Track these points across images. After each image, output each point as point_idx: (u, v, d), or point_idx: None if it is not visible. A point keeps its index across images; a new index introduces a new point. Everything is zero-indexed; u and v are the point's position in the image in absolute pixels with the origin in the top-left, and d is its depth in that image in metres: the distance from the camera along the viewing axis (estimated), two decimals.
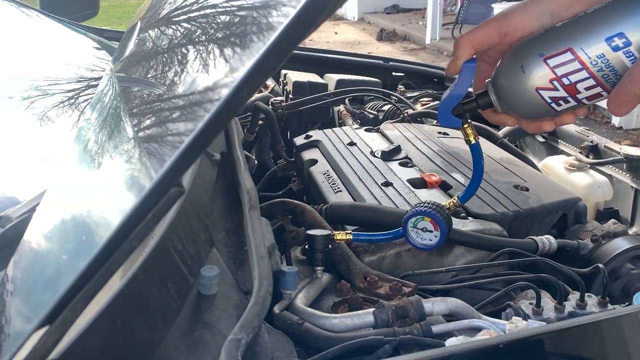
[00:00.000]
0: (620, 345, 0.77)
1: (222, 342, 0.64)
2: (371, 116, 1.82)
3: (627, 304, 0.93)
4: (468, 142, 0.79)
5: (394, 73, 2.19)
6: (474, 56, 0.72)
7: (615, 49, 0.60)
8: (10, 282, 0.60)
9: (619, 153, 1.42)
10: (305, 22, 0.48)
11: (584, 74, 0.62)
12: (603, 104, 0.66)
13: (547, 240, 1.04)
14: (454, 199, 0.92)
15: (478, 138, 0.79)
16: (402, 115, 1.75)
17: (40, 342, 0.45)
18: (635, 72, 0.60)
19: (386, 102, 1.87)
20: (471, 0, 8.32)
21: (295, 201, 1.13)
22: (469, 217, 1.07)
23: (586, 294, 0.87)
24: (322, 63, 2.24)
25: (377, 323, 0.80)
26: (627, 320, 0.77)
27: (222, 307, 0.76)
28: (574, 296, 0.88)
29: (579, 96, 0.63)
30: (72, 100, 1.16)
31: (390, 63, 2.28)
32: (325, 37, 9.31)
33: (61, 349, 0.48)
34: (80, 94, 1.20)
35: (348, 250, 0.99)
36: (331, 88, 1.99)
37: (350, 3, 11.10)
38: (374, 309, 0.82)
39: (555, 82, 0.63)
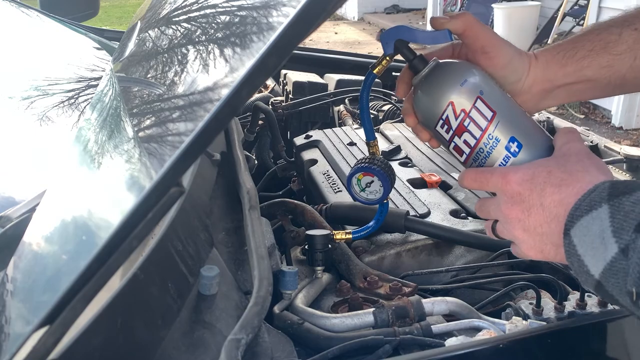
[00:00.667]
0: (620, 345, 0.77)
1: (222, 342, 0.64)
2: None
3: None
4: (372, 67, 0.78)
5: (394, 73, 2.19)
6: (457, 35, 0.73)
7: (507, 148, 0.66)
8: (10, 282, 0.60)
9: (619, 153, 1.42)
10: (305, 22, 0.48)
11: (478, 133, 0.66)
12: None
13: None
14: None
15: (381, 73, 0.79)
16: (402, 115, 1.75)
17: (40, 342, 0.45)
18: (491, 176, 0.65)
19: (386, 102, 1.87)
20: (471, 0, 8.31)
21: (295, 201, 1.13)
22: (469, 217, 1.07)
23: (586, 294, 0.87)
24: (322, 63, 2.24)
25: (377, 323, 0.80)
26: (627, 320, 0.77)
27: (222, 307, 0.76)
28: (574, 296, 0.88)
29: (455, 139, 0.68)
30: (72, 100, 1.16)
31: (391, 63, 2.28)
32: (325, 37, 9.30)
33: (61, 349, 0.48)
34: (80, 94, 1.20)
35: (348, 250, 0.99)
36: (331, 88, 1.98)
37: (350, 3, 11.09)
38: (374, 309, 0.82)
39: (462, 114, 0.67)
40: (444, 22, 0.71)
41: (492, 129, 0.66)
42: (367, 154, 0.90)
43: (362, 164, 0.88)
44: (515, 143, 0.66)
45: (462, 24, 0.71)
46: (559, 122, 1.61)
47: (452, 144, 0.69)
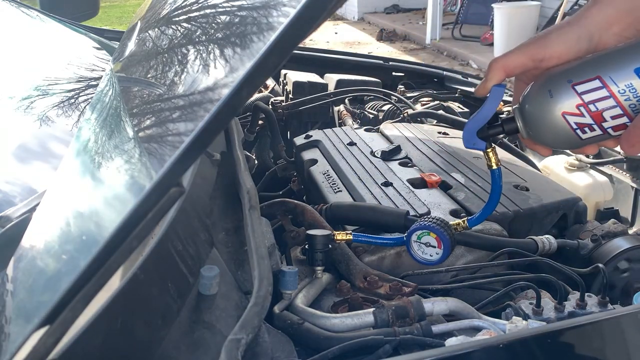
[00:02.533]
0: (620, 345, 0.77)
1: (222, 342, 0.64)
2: (371, 116, 1.82)
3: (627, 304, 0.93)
4: (489, 166, 0.78)
5: (394, 73, 2.19)
6: (505, 80, 0.70)
7: None
8: (10, 282, 0.60)
9: (619, 153, 1.42)
10: (305, 22, 0.48)
11: (611, 102, 0.61)
12: None
13: (547, 240, 1.04)
14: (463, 221, 0.91)
15: (500, 164, 0.78)
16: (402, 115, 1.75)
17: (40, 342, 0.45)
18: None
19: (386, 102, 1.87)
20: (471, 0, 8.32)
21: (295, 201, 1.13)
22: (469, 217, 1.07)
23: (586, 294, 0.87)
24: (322, 63, 2.24)
25: (377, 323, 0.80)
26: (627, 320, 0.77)
27: (222, 307, 0.76)
28: (574, 296, 0.88)
29: (605, 125, 0.63)
30: (72, 100, 1.16)
31: (390, 63, 2.28)
32: (325, 37, 9.31)
33: (61, 349, 0.48)
34: (80, 94, 1.20)
35: (348, 250, 0.99)
36: (331, 88, 1.99)
37: (350, 3, 11.09)
38: (374, 309, 0.82)
39: (582, 108, 0.62)
40: (483, 87, 0.69)
41: (613, 85, 0.61)
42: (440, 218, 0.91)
43: (442, 229, 0.87)
44: None
45: (499, 71, 0.68)
46: None
47: (610, 130, 0.63)
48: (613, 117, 0.62)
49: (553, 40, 0.66)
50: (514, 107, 0.70)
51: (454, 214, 1.08)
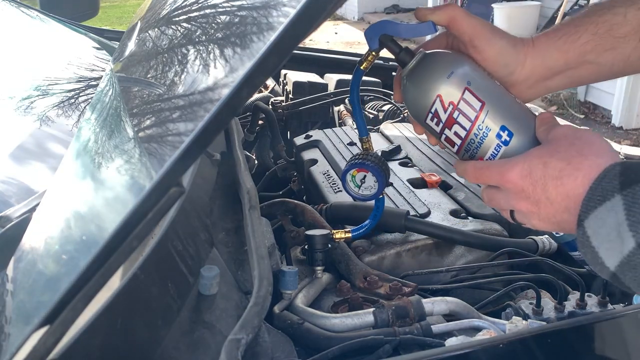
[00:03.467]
0: (620, 345, 0.77)
1: (222, 342, 0.64)
2: (371, 116, 1.81)
3: (627, 303, 0.93)
4: (359, 63, 0.78)
5: (394, 73, 2.19)
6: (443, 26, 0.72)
7: (498, 136, 0.66)
8: (10, 282, 0.60)
9: (619, 153, 1.42)
10: (305, 22, 0.48)
11: (467, 125, 0.66)
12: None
13: (547, 240, 1.04)
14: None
15: (368, 68, 0.78)
16: (402, 115, 1.75)
17: (40, 342, 0.45)
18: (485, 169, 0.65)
19: (386, 102, 1.87)
20: (471, 0, 8.31)
21: (295, 201, 1.13)
22: (469, 217, 1.07)
23: (586, 294, 0.87)
24: (322, 63, 2.24)
25: (377, 323, 0.80)
26: (627, 320, 0.77)
27: (222, 307, 0.76)
28: (574, 296, 0.88)
29: (446, 131, 0.68)
30: (72, 100, 1.16)
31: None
32: (325, 37, 9.30)
33: (61, 349, 0.48)
34: (80, 94, 1.20)
35: (348, 250, 0.98)
36: (331, 88, 1.98)
37: (350, 3, 11.09)
38: (374, 309, 0.82)
39: (450, 106, 0.66)
40: (427, 13, 0.69)
41: (481, 119, 0.66)
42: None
43: (355, 160, 0.87)
44: (506, 132, 0.65)
45: (447, 16, 0.69)
46: None
47: (443, 136, 0.69)
48: (455, 133, 0.67)
49: (495, 45, 0.69)
50: (422, 50, 0.71)
51: (454, 214, 1.08)
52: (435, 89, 0.67)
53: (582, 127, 0.69)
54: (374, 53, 0.75)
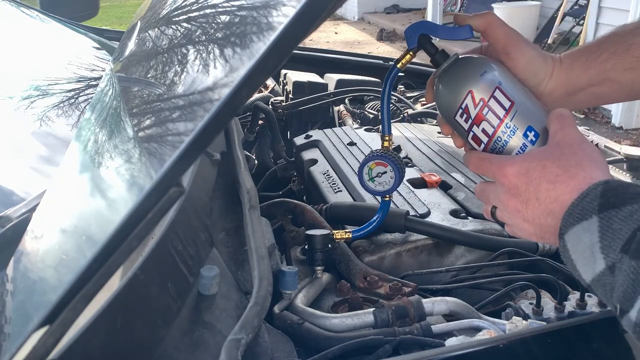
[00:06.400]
0: (620, 345, 0.77)
1: (222, 342, 0.64)
2: (371, 116, 1.82)
3: None
4: (396, 61, 0.80)
5: None
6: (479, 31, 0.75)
7: (525, 136, 0.67)
8: (10, 282, 0.60)
9: (619, 153, 1.42)
10: (305, 22, 0.48)
11: (496, 122, 0.68)
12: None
13: None
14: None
15: (404, 67, 0.80)
16: (402, 115, 1.75)
17: (40, 342, 0.45)
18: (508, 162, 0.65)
19: None
20: (471, 0, 8.31)
21: (295, 201, 1.13)
22: (469, 217, 1.07)
23: (586, 294, 0.87)
24: (322, 63, 2.24)
25: (377, 323, 0.80)
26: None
27: (222, 307, 0.76)
28: (574, 296, 0.88)
29: (474, 128, 0.69)
30: (72, 100, 1.16)
31: (390, 63, 2.28)
32: (325, 37, 9.30)
33: (61, 349, 0.48)
34: (80, 94, 1.20)
35: (348, 250, 0.98)
36: (331, 88, 1.99)
37: (350, 3, 11.09)
38: (374, 309, 0.82)
39: (481, 103, 0.68)
40: (465, 18, 0.72)
41: (509, 118, 0.67)
42: (380, 147, 0.90)
43: (377, 153, 0.89)
44: (533, 132, 0.67)
45: (484, 22, 0.72)
46: None
47: (471, 134, 0.70)
48: (483, 131, 0.69)
49: (526, 54, 0.71)
50: (457, 53, 0.74)
51: (454, 214, 1.08)
52: (467, 85, 0.69)
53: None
54: (411, 53, 0.77)
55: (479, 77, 0.68)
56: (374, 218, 0.96)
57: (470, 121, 0.69)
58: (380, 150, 0.89)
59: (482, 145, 0.69)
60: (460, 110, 0.69)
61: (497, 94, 0.68)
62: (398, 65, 0.79)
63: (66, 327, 0.46)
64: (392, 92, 1.93)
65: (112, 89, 0.92)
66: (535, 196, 0.61)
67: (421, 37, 0.74)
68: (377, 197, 1.13)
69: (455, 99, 0.70)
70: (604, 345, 0.76)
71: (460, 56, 0.73)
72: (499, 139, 0.68)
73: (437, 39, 0.77)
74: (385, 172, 0.89)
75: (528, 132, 0.67)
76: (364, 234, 0.97)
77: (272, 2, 0.60)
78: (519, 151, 0.67)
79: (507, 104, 0.67)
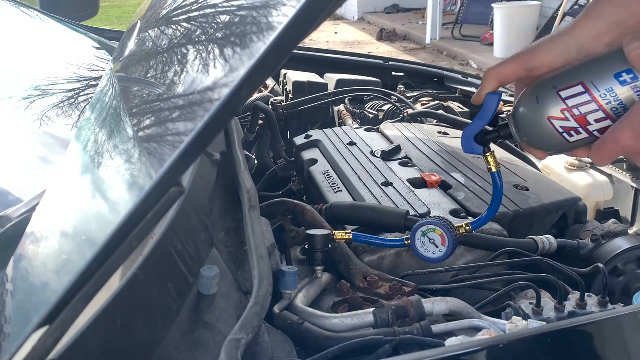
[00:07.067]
0: (620, 345, 0.77)
1: (222, 342, 0.64)
2: (371, 116, 1.82)
3: (627, 304, 0.93)
4: (489, 169, 0.81)
5: (394, 73, 2.19)
6: (499, 89, 0.74)
7: (623, 83, 0.62)
8: (10, 282, 0.60)
9: None
10: (305, 22, 0.48)
11: (593, 106, 0.64)
12: None
13: (547, 240, 1.04)
14: (467, 224, 0.92)
15: (500, 167, 0.81)
16: (402, 115, 1.75)
17: (40, 342, 0.45)
18: (621, 127, 0.61)
19: (386, 102, 1.87)
20: (471, 0, 8.32)
21: (295, 201, 1.13)
22: (469, 217, 1.07)
23: (586, 294, 0.87)
24: (322, 63, 2.24)
25: (377, 323, 0.80)
26: (627, 320, 0.77)
27: (222, 307, 0.76)
28: (574, 296, 0.88)
29: (590, 128, 0.65)
30: (72, 100, 1.16)
31: (390, 63, 2.28)
32: (325, 37, 9.31)
33: (61, 349, 0.48)
34: (80, 94, 1.20)
35: (348, 250, 0.98)
36: (331, 88, 1.99)
37: (350, 3, 11.09)
38: (374, 308, 0.82)
39: (566, 113, 0.65)
40: (480, 93, 0.72)
41: (595, 91, 0.63)
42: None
43: (446, 224, 0.89)
44: (623, 73, 0.62)
45: (493, 80, 0.71)
46: None
47: (595, 133, 0.66)
48: (597, 121, 0.65)
49: (543, 50, 0.69)
50: (508, 113, 0.73)
51: (454, 214, 1.08)
52: (541, 119, 0.67)
53: None
54: (488, 154, 0.79)
55: (538, 105, 0.66)
56: (384, 239, 0.97)
57: (582, 129, 0.66)
58: (454, 228, 0.90)
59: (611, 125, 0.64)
60: (565, 134, 0.66)
61: (564, 94, 0.65)
62: (493, 170, 0.80)
63: (66, 327, 0.46)
64: (391, 93, 1.93)
65: (112, 89, 0.92)
66: None
67: (477, 139, 0.75)
68: (383, 200, 1.13)
69: (551, 135, 0.67)
70: (604, 345, 0.76)
71: (512, 112, 0.71)
72: (613, 108, 0.63)
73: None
74: (437, 246, 0.89)
75: (620, 78, 0.62)
76: (365, 242, 0.98)
77: (272, 2, 0.60)
78: (637, 95, 0.62)
79: (578, 88, 0.64)
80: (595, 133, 0.66)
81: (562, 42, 0.68)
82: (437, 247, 0.89)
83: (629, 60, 0.61)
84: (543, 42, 0.70)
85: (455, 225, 0.91)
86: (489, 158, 0.79)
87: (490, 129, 0.76)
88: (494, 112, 0.73)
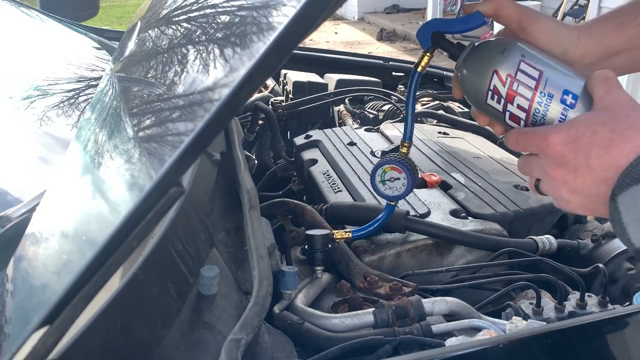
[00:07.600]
0: (620, 345, 0.77)
1: (222, 342, 0.64)
2: (371, 116, 1.82)
3: (627, 303, 0.93)
4: (415, 66, 0.79)
5: (394, 73, 2.19)
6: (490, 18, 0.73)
7: (562, 101, 0.64)
8: (10, 282, 0.60)
9: None
10: (305, 22, 0.48)
11: (528, 95, 0.65)
12: None
13: (547, 240, 1.04)
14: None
15: (424, 70, 0.79)
16: (402, 115, 1.75)
17: (40, 342, 0.45)
18: (557, 128, 0.61)
19: (386, 102, 1.87)
20: (471, 0, 8.31)
21: (295, 201, 1.13)
22: (469, 217, 1.07)
23: (586, 294, 0.87)
24: (322, 63, 2.24)
25: (377, 323, 0.80)
26: (627, 320, 0.77)
27: (222, 307, 0.76)
28: (574, 296, 0.88)
29: (509, 107, 0.67)
30: (72, 100, 1.16)
31: (390, 63, 2.28)
32: (325, 37, 9.31)
33: (61, 349, 0.48)
34: (80, 94, 1.20)
35: (348, 250, 0.98)
36: (331, 88, 1.99)
37: (350, 3, 11.10)
38: (374, 309, 0.82)
39: (508, 79, 0.66)
40: (473, 5, 0.70)
41: (542, 86, 0.64)
42: (395, 152, 0.92)
43: (395, 158, 0.89)
44: (570, 95, 0.63)
45: (492, 5, 0.70)
46: None
47: (507, 114, 0.67)
48: (518, 107, 0.66)
49: (543, 27, 0.69)
50: (472, 42, 0.73)
51: (454, 214, 1.08)
52: (490, 65, 0.67)
53: None
54: (428, 54, 0.76)
55: (501, 55, 0.66)
56: (377, 218, 0.96)
57: (503, 101, 0.66)
58: (397, 155, 0.89)
59: (522, 123, 0.66)
60: (490, 93, 0.67)
61: (523, 66, 0.65)
62: (418, 70, 0.78)
63: (66, 327, 0.46)
64: (391, 93, 1.93)
65: (112, 89, 0.92)
66: (586, 164, 0.57)
67: (434, 36, 0.73)
68: (382, 199, 1.13)
69: (482, 83, 0.67)
70: (604, 345, 0.76)
71: (476, 44, 0.71)
72: (537, 110, 0.65)
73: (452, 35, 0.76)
74: (398, 179, 0.89)
75: (565, 96, 0.63)
76: (364, 234, 0.97)
77: (272, 2, 0.60)
78: (560, 119, 0.63)
79: (535, 73, 0.64)
80: (507, 113, 0.67)
81: (561, 34, 0.69)
82: (398, 180, 0.89)
83: (587, 88, 0.63)
84: (552, 21, 0.70)
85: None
86: (425, 57, 0.77)
87: (450, 40, 0.75)
88: (467, 28, 0.72)
